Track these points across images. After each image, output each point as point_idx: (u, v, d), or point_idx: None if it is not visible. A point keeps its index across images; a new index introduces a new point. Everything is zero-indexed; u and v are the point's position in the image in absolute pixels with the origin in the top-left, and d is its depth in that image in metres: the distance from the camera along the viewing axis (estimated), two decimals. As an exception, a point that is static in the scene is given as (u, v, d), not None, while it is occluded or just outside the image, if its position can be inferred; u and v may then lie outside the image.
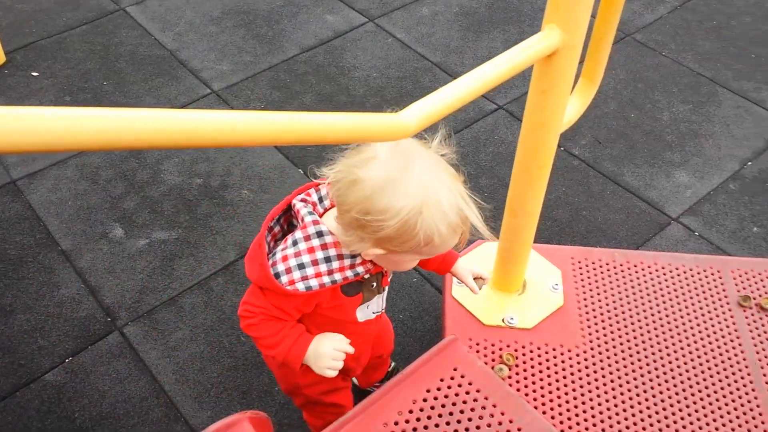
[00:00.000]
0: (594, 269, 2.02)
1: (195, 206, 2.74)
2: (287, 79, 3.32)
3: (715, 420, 1.69)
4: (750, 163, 2.96)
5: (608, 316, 1.90)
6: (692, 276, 2.01)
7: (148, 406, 2.15)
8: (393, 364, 2.17)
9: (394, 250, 1.25)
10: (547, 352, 1.82)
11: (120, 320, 2.37)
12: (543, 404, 1.71)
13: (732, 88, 3.32)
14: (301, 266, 1.30)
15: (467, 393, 1.54)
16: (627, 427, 1.67)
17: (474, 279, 1.67)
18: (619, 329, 1.87)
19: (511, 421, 1.49)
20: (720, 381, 1.77)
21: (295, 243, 1.31)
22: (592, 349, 1.83)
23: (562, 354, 1.81)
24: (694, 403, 1.72)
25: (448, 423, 1.48)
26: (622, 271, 2.01)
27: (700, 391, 1.75)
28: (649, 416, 1.69)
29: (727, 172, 2.92)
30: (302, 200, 1.37)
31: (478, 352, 1.81)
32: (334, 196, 1.27)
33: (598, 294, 1.95)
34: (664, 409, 1.71)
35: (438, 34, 3.60)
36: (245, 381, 2.21)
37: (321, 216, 1.35)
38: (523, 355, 1.81)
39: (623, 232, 2.67)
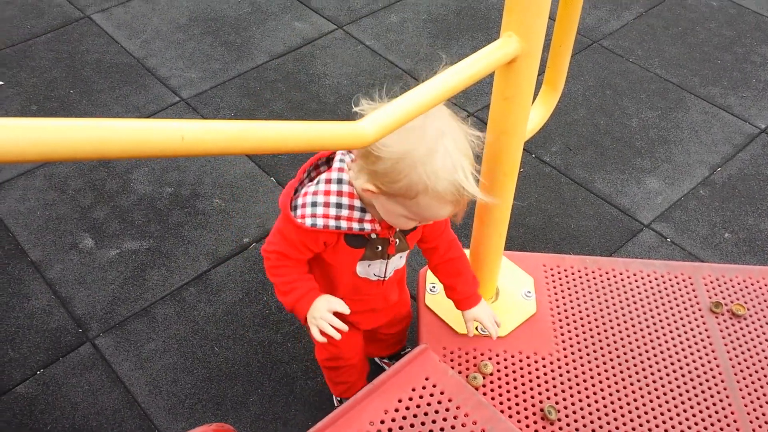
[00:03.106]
0: (566, 276, 2.03)
1: (166, 216, 2.71)
2: (257, 86, 3.30)
3: (689, 427, 1.70)
4: (719, 168, 3.00)
5: (581, 324, 1.91)
6: (664, 282, 2.02)
7: (121, 418, 2.13)
8: (408, 348, 2.23)
9: (381, 189, 1.32)
10: (521, 360, 1.82)
11: (91, 331, 2.33)
12: (517, 412, 1.71)
13: (699, 93, 3.37)
14: (314, 204, 1.41)
15: (439, 402, 1.53)
16: (601, 434, 1.68)
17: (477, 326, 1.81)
18: (592, 336, 1.88)
19: (483, 431, 1.49)
20: (694, 388, 1.78)
21: (317, 183, 1.43)
22: (565, 356, 1.83)
23: (536, 362, 1.82)
24: (669, 410, 1.73)
25: (422, 434, 1.48)
26: (594, 278, 2.02)
27: (674, 398, 1.76)
28: (624, 424, 1.70)
29: (697, 178, 2.95)
30: None
31: (452, 361, 1.81)
32: None
33: (571, 301, 1.96)
34: (638, 416, 1.72)
35: (407, 41, 3.60)
36: (219, 392, 2.19)
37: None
38: (497, 363, 1.81)
39: (596, 239, 2.69)
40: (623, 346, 1.86)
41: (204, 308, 2.41)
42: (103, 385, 2.20)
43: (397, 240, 1.55)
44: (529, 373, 1.79)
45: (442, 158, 1.26)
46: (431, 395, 1.56)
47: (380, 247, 1.53)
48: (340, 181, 1.41)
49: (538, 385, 1.77)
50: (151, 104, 3.19)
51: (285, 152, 0.96)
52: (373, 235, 1.49)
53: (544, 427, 1.68)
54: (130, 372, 2.23)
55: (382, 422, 1.50)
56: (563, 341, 1.87)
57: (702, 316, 1.94)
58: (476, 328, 1.87)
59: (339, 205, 1.41)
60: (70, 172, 2.86)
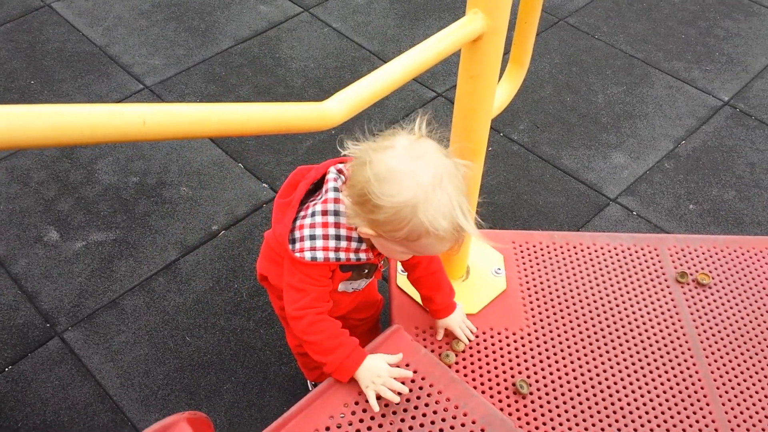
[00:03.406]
0: (535, 252, 2.04)
1: (132, 205, 2.68)
2: (222, 72, 3.27)
3: (658, 395, 1.73)
4: (684, 141, 3.03)
5: (550, 298, 1.92)
6: (630, 255, 2.04)
7: (93, 412, 2.11)
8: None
9: (382, 235, 1.32)
10: (492, 336, 1.83)
11: (60, 325, 2.30)
12: (490, 388, 1.72)
13: (663, 68, 3.40)
14: (312, 237, 1.39)
15: (412, 381, 1.54)
16: (573, 407, 1.69)
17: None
18: (561, 310, 1.90)
19: (456, 407, 1.49)
20: (662, 356, 1.81)
21: (313, 215, 1.40)
22: (536, 331, 1.85)
23: (507, 337, 1.83)
24: (638, 379, 1.76)
25: (394, 412, 1.48)
26: (563, 252, 2.04)
27: (642, 368, 1.78)
28: (594, 395, 1.72)
29: (662, 152, 2.98)
30: (339, 170, 1.44)
31: (424, 340, 1.81)
32: (349, 169, 1.36)
33: (540, 276, 1.98)
34: (608, 386, 1.74)
35: (374, 23, 3.58)
36: (192, 381, 2.18)
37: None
38: (469, 340, 1.82)
39: (564, 215, 2.71)
40: (592, 319, 1.88)
41: (174, 298, 2.39)
42: (74, 379, 2.18)
43: (382, 262, 1.58)
44: (501, 348, 1.80)
45: (440, 202, 1.24)
46: (404, 374, 1.56)
47: (367, 271, 1.56)
48: (337, 213, 1.39)
49: (510, 360, 1.78)
50: (115, 92, 3.14)
51: (249, 134, 0.95)
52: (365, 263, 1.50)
53: (516, 401, 1.70)
54: (100, 365, 2.21)
55: (357, 403, 1.50)
56: (533, 316, 1.88)
57: (668, 287, 1.97)
58: None
59: (338, 237, 1.40)
60: (32, 164, 2.81)
